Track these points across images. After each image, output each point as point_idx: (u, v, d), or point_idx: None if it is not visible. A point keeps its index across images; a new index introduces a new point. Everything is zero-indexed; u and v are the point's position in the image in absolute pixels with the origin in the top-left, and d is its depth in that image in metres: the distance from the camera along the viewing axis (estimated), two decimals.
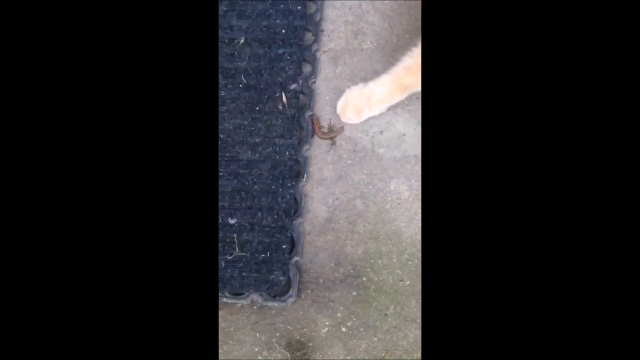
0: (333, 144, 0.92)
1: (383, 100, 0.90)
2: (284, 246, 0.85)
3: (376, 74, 0.93)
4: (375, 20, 0.99)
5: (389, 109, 0.92)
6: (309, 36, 0.98)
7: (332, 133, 0.92)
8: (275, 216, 0.87)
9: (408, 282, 0.84)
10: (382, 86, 0.90)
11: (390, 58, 0.95)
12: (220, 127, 0.91)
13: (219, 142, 0.90)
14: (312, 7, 0.99)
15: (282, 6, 0.98)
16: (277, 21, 0.97)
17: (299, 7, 0.97)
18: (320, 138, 0.92)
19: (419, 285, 0.83)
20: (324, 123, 0.93)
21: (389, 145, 0.91)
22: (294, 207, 0.88)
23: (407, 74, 0.87)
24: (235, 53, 0.96)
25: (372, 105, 0.90)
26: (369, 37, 0.98)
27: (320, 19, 0.99)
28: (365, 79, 0.93)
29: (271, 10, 0.98)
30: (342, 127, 0.92)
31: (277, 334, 0.83)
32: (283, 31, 0.97)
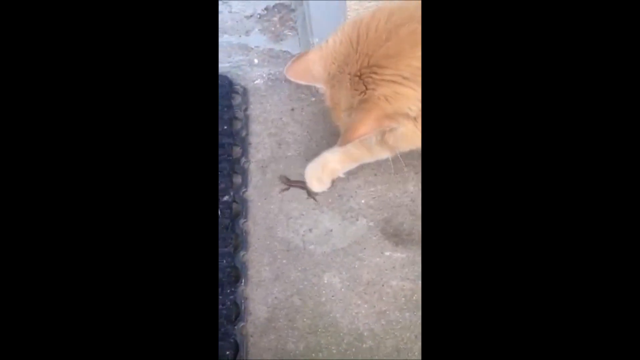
0: (309, 194, 1.03)
1: (336, 169, 1.00)
2: (227, 352, 0.88)
3: (300, 177, 1.03)
4: (296, 129, 1.11)
5: (314, 208, 1.01)
6: (237, 150, 1.08)
7: (302, 184, 1.02)
8: (218, 324, 0.91)
9: None
10: (334, 154, 0.99)
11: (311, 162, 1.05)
12: None
13: None
14: (238, 125, 1.11)
15: None
16: None
17: (225, 127, 1.08)
18: (292, 186, 1.03)
19: None
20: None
21: (318, 242, 0.99)
22: (235, 312, 0.92)
23: (354, 148, 0.95)
24: None
25: (328, 172, 1.00)
26: (292, 145, 1.09)
27: (247, 134, 1.10)
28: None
29: None
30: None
31: None
32: None
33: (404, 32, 0.70)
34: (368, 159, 1.00)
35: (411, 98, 0.71)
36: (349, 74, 0.73)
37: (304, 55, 0.80)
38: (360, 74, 0.72)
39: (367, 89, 0.72)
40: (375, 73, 0.71)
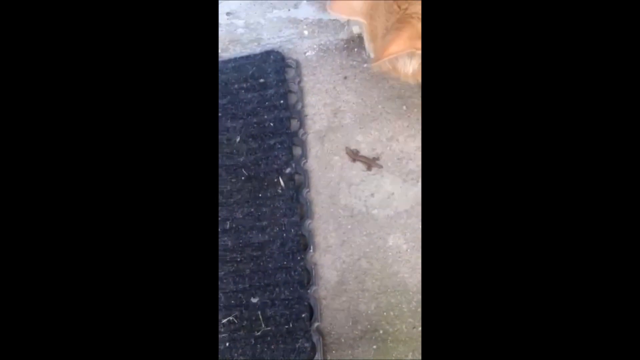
0: (369, 168, 1.04)
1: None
2: (303, 315, 0.94)
3: (358, 144, 1.05)
4: (350, 97, 1.12)
5: (374, 173, 1.03)
6: (294, 123, 1.11)
7: (368, 160, 1.05)
8: (292, 288, 0.96)
9: (420, 328, 0.91)
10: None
11: (368, 128, 1.07)
12: (231, 217, 1.04)
13: (233, 230, 1.02)
14: (293, 98, 1.13)
15: (267, 103, 1.12)
16: (265, 117, 1.11)
17: (281, 101, 1.11)
18: (358, 160, 1.05)
19: None
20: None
21: (381, 206, 1.02)
22: (307, 277, 0.97)
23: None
24: (234, 150, 1.09)
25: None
26: (347, 113, 1.11)
27: (302, 107, 1.13)
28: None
29: (259, 109, 1.12)
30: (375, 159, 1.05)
31: None
32: (272, 124, 1.10)
33: None
34: None
35: None
36: (388, 6, 0.74)
37: None
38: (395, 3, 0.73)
39: (400, 8, 0.72)
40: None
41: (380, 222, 1.00)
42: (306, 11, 1.16)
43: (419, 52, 0.74)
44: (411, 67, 0.79)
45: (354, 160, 1.06)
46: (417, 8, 0.71)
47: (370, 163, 1.04)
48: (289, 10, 1.14)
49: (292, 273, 0.97)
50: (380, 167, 1.04)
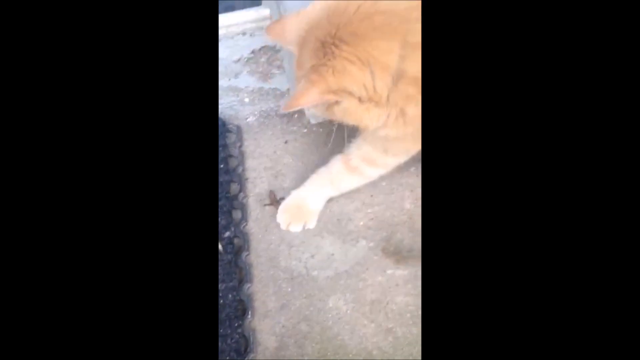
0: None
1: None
2: None
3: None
4: (290, 161, 1.14)
5: (314, 235, 1.03)
6: (234, 187, 1.11)
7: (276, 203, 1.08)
8: (228, 358, 0.91)
9: None
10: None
11: None
12: None
13: None
14: (234, 162, 1.14)
15: None
16: None
17: (222, 165, 1.12)
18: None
19: None
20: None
21: (321, 267, 1.00)
22: (244, 345, 0.93)
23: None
24: None
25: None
26: (288, 176, 1.12)
27: (243, 170, 1.14)
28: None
29: None
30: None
31: None
32: None
33: (379, 21, 0.72)
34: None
35: (358, 79, 0.72)
36: (315, 37, 0.75)
37: (284, 17, 0.82)
38: (324, 40, 0.74)
39: (324, 56, 0.73)
40: (335, 45, 0.73)
41: (320, 284, 0.99)
42: (247, 80, 1.21)
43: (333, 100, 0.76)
44: (336, 111, 0.80)
45: (271, 204, 1.08)
46: (336, 64, 0.73)
47: (274, 203, 1.08)
48: (230, 79, 1.18)
49: (229, 341, 0.93)
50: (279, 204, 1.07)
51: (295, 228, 1.04)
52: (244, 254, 1.03)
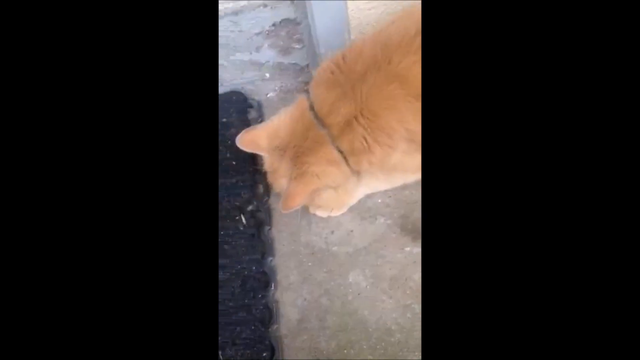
0: None
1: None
2: (264, 354, 0.93)
3: None
4: None
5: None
6: (257, 161, 1.13)
7: None
8: (253, 327, 0.96)
9: None
10: None
11: None
12: None
13: None
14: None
15: (229, 142, 1.13)
16: (228, 155, 1.13)
17: None
18: None
19: None
20: None
21: (341, 243, 1.04)
22: (268, 315, 0.98)
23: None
24: None
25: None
26: None
27: None
28: None
29: (221, 147, 1.14)
30: None
31: None
32: (234, 162, 1.12)
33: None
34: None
35: (335, 175, 0.93)
36: (289, 152, 0.93)
37: (252, 129, 0.99)
38: (297, 155, 0.92)
39: (303, 165, 0.92)
40: (306, 155, 0.92)
41: (340, 259, 1.02)
42: (267, 55, 1.20)
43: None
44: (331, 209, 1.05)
45: None
46: (316, 169, 0.91)
47: None
48: (251, 53, 1.18)
49: (253, 311, 0.97)
50: None
51: (322, 214, 1.07)
52: (266, 228, 1.06)
